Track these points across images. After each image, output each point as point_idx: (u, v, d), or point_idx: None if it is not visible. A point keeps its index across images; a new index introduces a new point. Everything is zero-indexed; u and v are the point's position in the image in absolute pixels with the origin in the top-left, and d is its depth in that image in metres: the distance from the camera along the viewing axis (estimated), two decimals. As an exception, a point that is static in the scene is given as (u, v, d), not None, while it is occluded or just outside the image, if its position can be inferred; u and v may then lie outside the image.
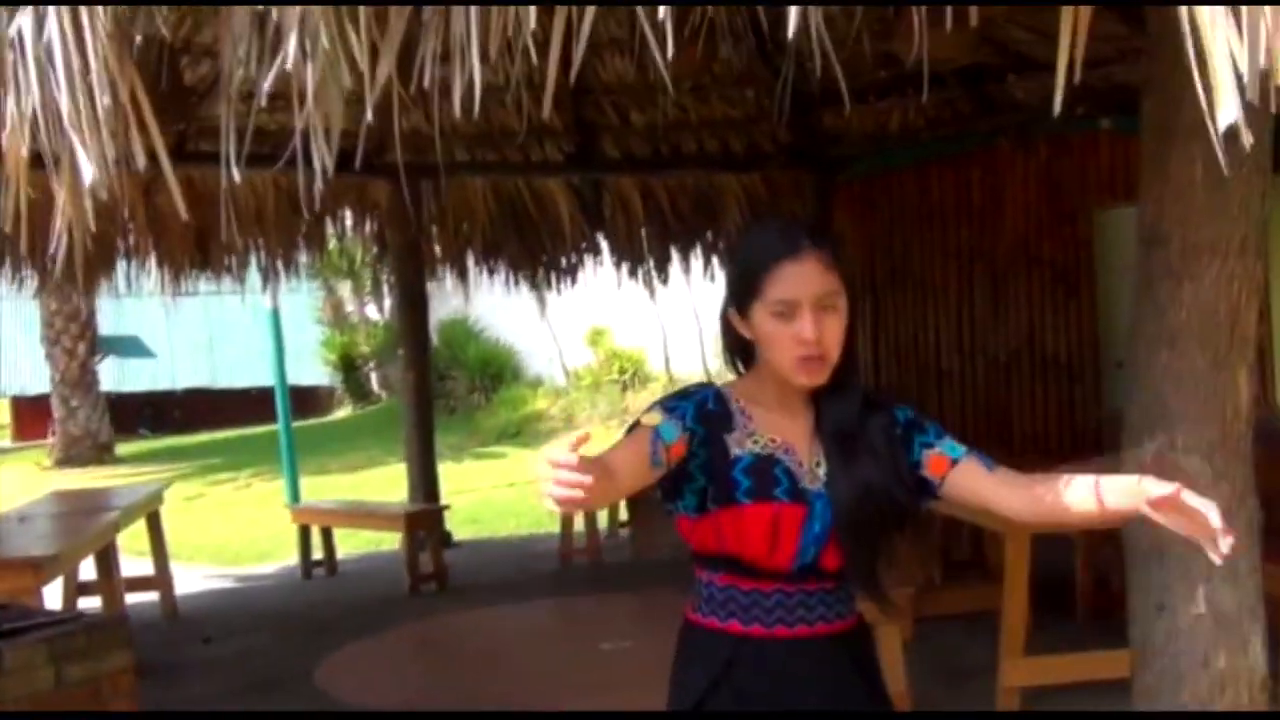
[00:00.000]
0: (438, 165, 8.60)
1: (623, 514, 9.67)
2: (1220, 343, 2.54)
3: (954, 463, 2.20)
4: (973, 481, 2.19)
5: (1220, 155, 1.80)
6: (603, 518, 9.59)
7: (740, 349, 2.26)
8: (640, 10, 2.09)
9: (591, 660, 6.33)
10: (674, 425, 2.11)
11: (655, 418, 2.12)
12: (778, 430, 2.19)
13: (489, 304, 17.26)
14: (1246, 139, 1.72)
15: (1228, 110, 1.71)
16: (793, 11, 1.88)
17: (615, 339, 18.06)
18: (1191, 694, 2.57)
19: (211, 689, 6.08)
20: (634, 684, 5.79)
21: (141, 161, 2.05)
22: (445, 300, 17.17)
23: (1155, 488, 1.91)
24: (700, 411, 2.15)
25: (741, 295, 2.17)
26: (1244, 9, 1.74)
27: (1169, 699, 2.62)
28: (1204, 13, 1.73)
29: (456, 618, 7.47)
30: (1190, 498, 1.90)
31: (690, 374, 17.16)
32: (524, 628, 7.20)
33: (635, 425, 2.14)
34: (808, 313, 2.10)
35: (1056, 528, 2.20)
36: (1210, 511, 1.87)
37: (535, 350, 19.16)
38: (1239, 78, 1.74)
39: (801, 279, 2.11)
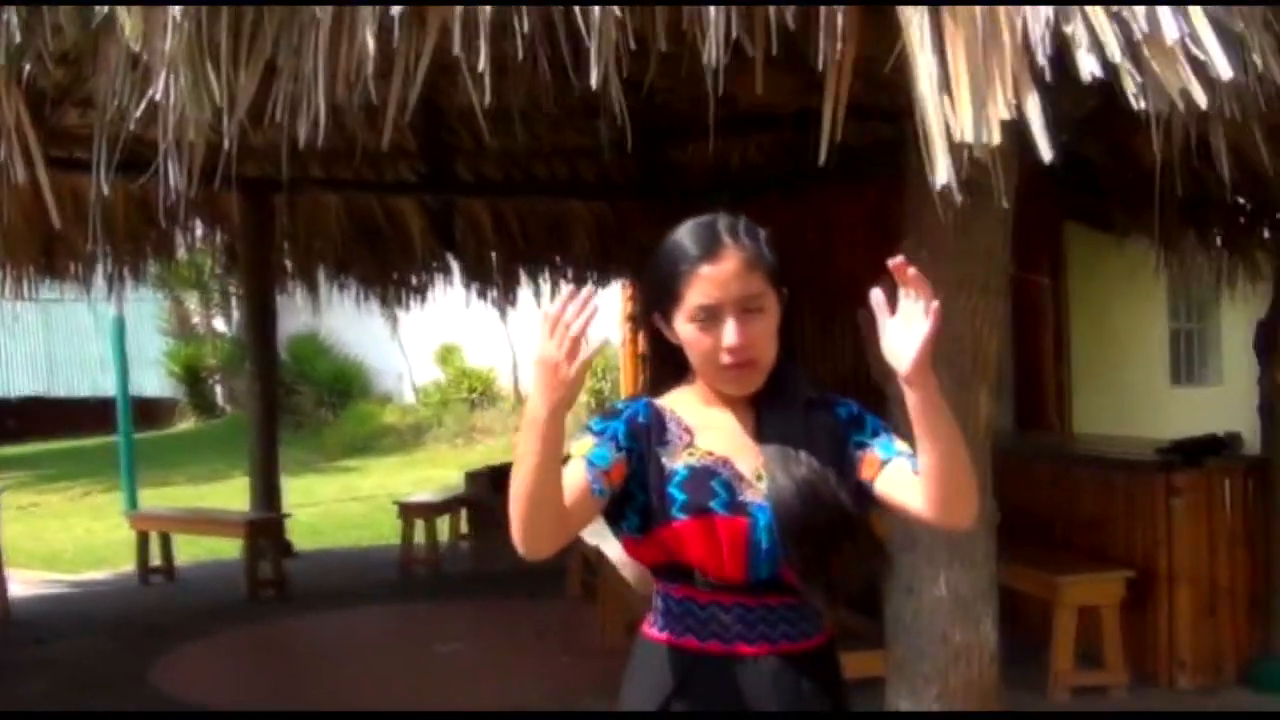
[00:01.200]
0: (289, 180, 8.79)
1: (463, 526, 9.90)
2: (965, 366, 2.94)
3: (884, 463, 2.04)
4: (897, 484, 2.01)
5: (944, 205, 2.19)
6: (443, 529, 9.82)
7: (671, 356, 2.10)
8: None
9: (424, 662, 6.58)
10: (606, 448, 2.01)
11: (585, 445, 2.02)
12: (715, 442, 2.06)
13: (339, 320, 17.28)
14: (956, 198, 2.12)
15: (940, 174, 2.12)
16: (594, 66, 2.22)
17: (465, 357, 18.24)
18: (932, 665, 2.97)
19: (42, 687, 6.15)
20: (464, 684, 6.14)
21: (22, 174, 2.27)
22: (294, 315, 17.16)
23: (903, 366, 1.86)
24: (631, 428, 2.04)
25: (661, 302, 2.06)
26: (963, 88, 2.14)
27: (913, 669, 3.02)
28: (923, 86, 2.13)
29: (293, 622, 7.64)
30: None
31: (538, 395, 17.49)
32: (360, 632, 7.40)
33: (566, 459, 1.99)
34: (730, 318, 1.99)
35: (951, 500, 1.84)
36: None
37: (385, 367, 19.22)
38: (956, 146, 2.15)
39: (721, 283, 1.98)
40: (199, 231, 10.47)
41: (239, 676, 6.54)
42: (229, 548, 9.36)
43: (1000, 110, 2.10)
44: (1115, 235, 7.90)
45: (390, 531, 9.83)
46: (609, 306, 12.79)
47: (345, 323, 17.73)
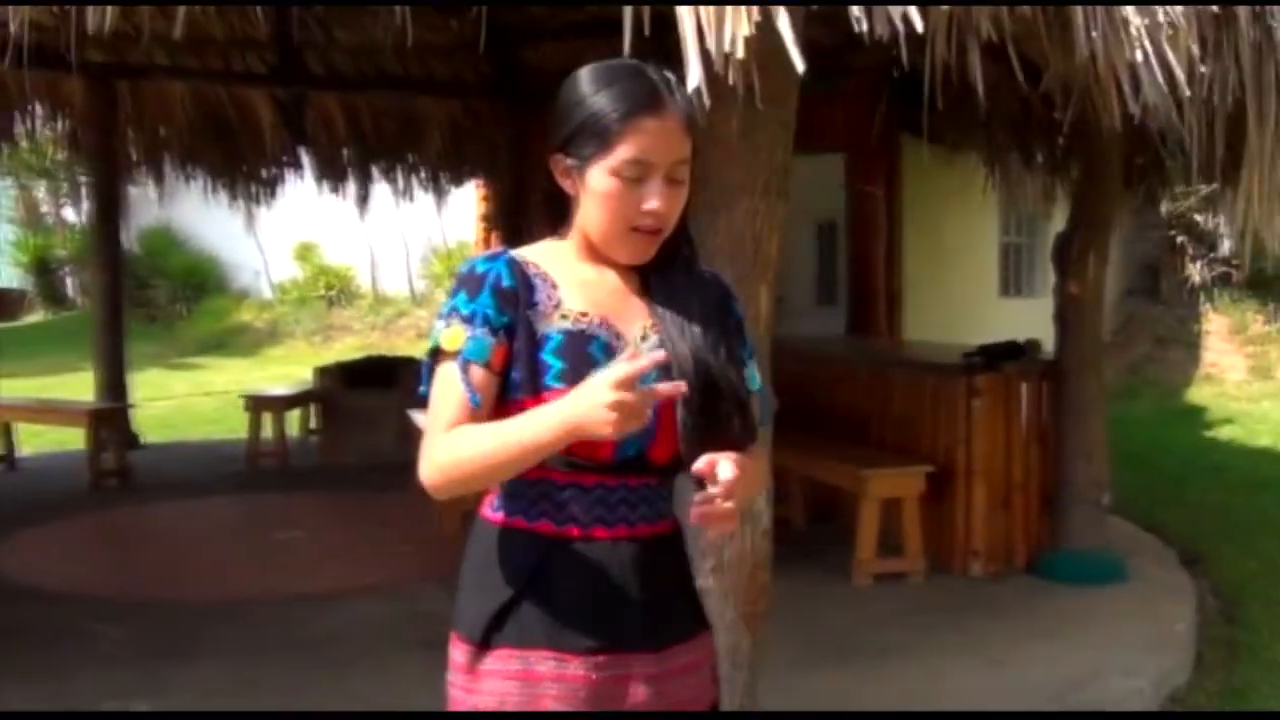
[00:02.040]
0: (134, 67, 8.63)
1: (313, 421, 10.00)
2: (745, 265, 3.16)
3: (747, 394, 1.94)
4: None
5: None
6: (293, 422, 9.90)
7: (552, 202, 1.93)
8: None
9: (263, 548, 6.74)
10: (481, 337, 1.83)
11: (456, 336, 1.84)
12: (591, 301, 1.89)
13: (193, 213, 16.99)
14: (706, 101, 2.34)
15: (691, 79, 2.33)
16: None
17: (324, 255, 18.12)
18: (706, 540, 3.22)
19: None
20: (301, 569, 6.30)
21: None
22: (148, 208, 16.82)
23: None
24: (499, 297, 1.85)
25: (581, 144, 1.84)
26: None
27: (691, 544, 3.28)
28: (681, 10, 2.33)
29: (135, 510, 7.71)
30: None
31: (396, 292, 17.49)
32: (202, 520, 7.49)
33: (437, 353, 1.86)
34: (659, 180, 1.83)
35: None
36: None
37: (241, 262, 18.98)
38: (705, 54, 2.36)
39: (663, 138, 1.81)
40: (40, 117, 10.23)
41: (77, 560, 6.60)
42: (74, 439, 9.30)
43: (744, 26, 2.31)
44: (946, 150, 8.24)
45: (241, 427, 9.87)
46: (464, 204, 12.85)
47: (199, 216, 17.44)
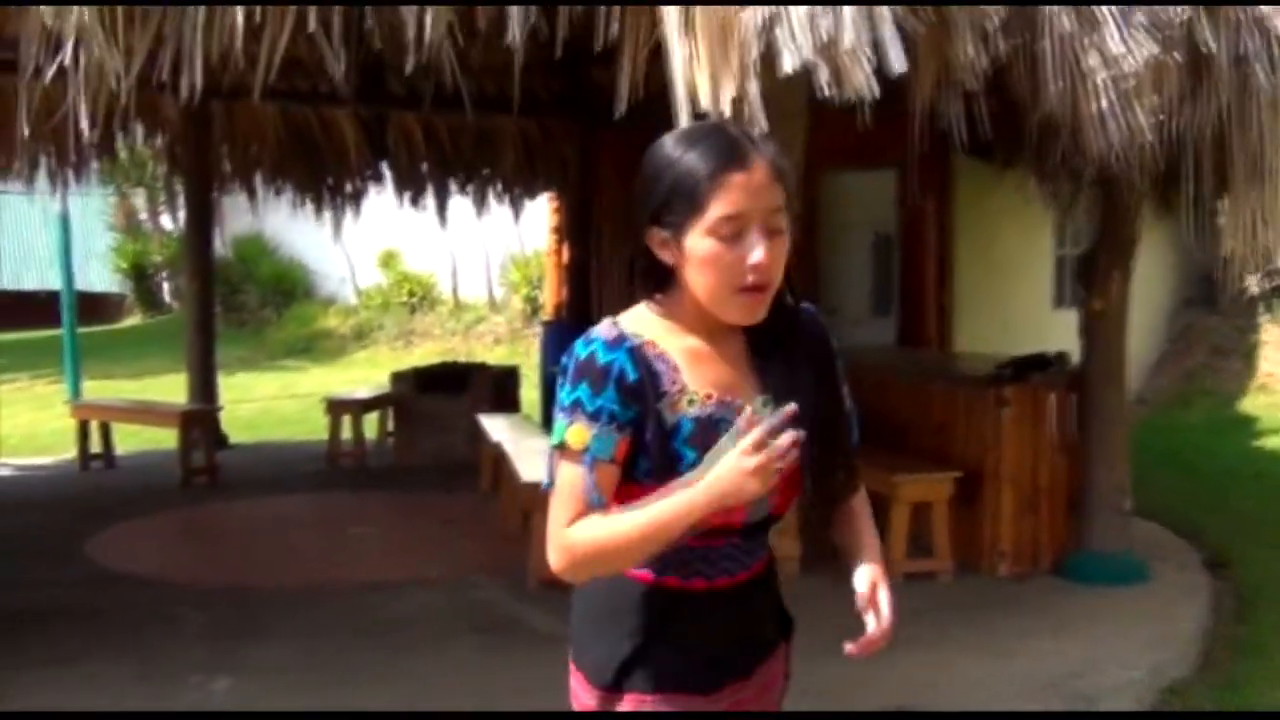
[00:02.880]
0: (228, 88, 9.16)
1: (390, 423, 10.50)
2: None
3: (842, 413, 2.03)
4: None
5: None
6: (371, 426, 10.42)
7: (653, 277, 1.92)
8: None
9: (337, 541, 7.24)
10: (607, 435, 1.84)
11: (581, 435, 1.85)
12: (713, 379, 1.90)
13: (284, 223, 17.66)
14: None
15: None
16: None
17: (407, 262, 18.71)
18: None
19: (-15, 556, 6.74)
20: (369, 561, 6.78)
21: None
22: (240, 216, 17.52)
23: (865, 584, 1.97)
24: (624, 393, 1.85)
25: (672, 211, 1.84)
26: (703, 72, 2.72)
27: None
28: (675, 68, 2.72)
29: (222, 505, 8.26)
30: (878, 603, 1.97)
31: (476, 299, 18.03)
32: (282, 515, 8.02)
33: (563, 448, 1.86)
34: (757, 232, 1.81)
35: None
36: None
37: (328, 270, 19.64)
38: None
39: (752, 192, 1.80)
40: (140, 134, 10.87)
41: (166, 550, 7.15)
42: (167, 439, 9.87)
43: (729, 90, 2.69)
44: (997, 166, 8.48)
45: (322, 428, 10.38)
46: (538, 217, 13.31)
47: (289, 225, 18.12)
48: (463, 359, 14.25)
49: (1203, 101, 3.85)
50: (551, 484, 1.90)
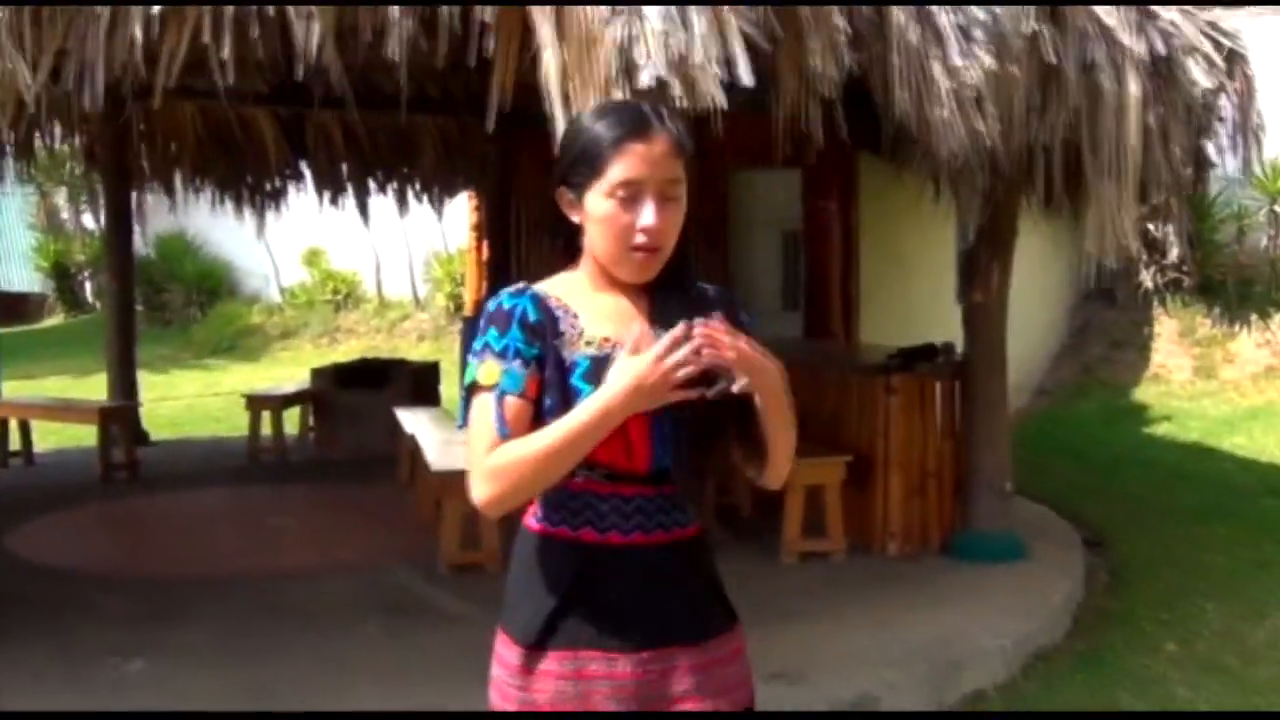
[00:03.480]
0: (144, 87, 9.25)
1: (311, 419, 10.65)
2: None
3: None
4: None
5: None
6: (293, 422, 10.55)
7: (564, 234, 2.10)
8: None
9: (256, 533, 7.40)
10: (515, 370, 1.99)
11: (491, 371, 2.00)
12: (608, 327, 2.03)
13: (207, 221, 17.66)
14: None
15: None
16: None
17: (331, 260, 18.78)
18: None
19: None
20: (288, 551, 6.96)
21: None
22: (164, 215, 17.50)
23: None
24: (526, 330, 2.01)
25: (579, 172, 2.01)
26: (576, 79, 2.97)
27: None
28: (547, 75, 2.97)
29: (141, 500, 8.38)
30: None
31: (400, 296, 18.15)
32: (202, 508, 8.17)
33: (474, 387, 2.01)
34: (651, 198, 1.97)
35: (768, 476, 2.08)
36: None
37: (252, 268, 19.64)
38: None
39: (650, 161, 1.96)
40: (58, 133, 10.91)
41: (85, 543, 7.28)
42: (88, 436, 9.95)
43: (594, 99, 2.95)
44: (896, 166, 8.83)
45: (246, 425, 10.51)
46: (461, 213, 13.49)
47: (213, 223, 18.11)
48: (386, 355, 14.40)
49: (1053, 108, 4.17)
50: (465, 424, 2.02)
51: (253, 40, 3.03)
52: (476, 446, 1.99)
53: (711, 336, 1.88)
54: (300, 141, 11.04)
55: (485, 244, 12.09)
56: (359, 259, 18.08)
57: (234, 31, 3.03)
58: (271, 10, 3.05)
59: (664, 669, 2.04)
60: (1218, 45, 5.05)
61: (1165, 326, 11.37)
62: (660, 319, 2.00)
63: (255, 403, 10.04)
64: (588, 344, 2.01)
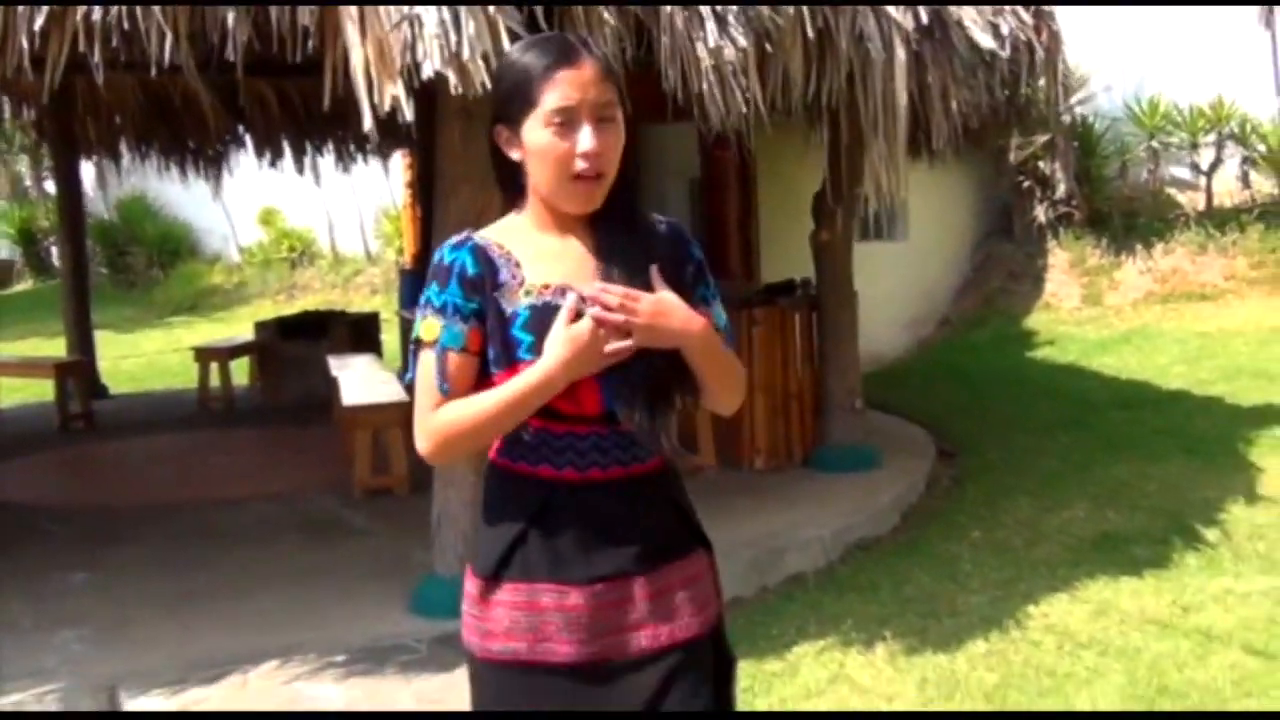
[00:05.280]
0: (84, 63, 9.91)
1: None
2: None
3: (715, 330, 2.11)
4: None
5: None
6: (242, 373, 11.27)
7: (507, 177, 2.10)
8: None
9: (199, 470, 8.17)
10: (455, 326, 2.03)
11: (432, 328, 2.04)
12: (551, 273, 2.05)
13: (166, 184, 18.24)
14: (373, 137, 3.69)
15: (365, 122, 3.70)
16: None
17: (286, 219, 19.42)
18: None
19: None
20: (223, 483, 7.71)
21: None
22: (124, 179, 18.07)
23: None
24: (465, 285, 2.03)
25: (512, 107, 2.02)
26: (374, 73, 3.69)
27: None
28: (355, 70, 3.69)
29: (95, 445, 9.15)
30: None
31: (353, 252, 18.83)
32: (150, 451, 8.92)
33: (418, 343, 2.06)
34: (587, 122, 1.98)
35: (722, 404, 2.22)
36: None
37: (211, 228, 20.26)
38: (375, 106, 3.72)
39: (581, 85, 1.97)
40: (7, 107, 11.54)
41: (41, 482, 8.03)
42: (49, 391, 10.68)
43: (390, 91, 3.67)
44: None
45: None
46: (393, 172, 14.16)
47: (172, 186, 18.70)
48: (341, 309, 15.09)
49: (830, 72, 4.90)
50: (413, 377, 2.10)
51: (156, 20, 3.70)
52: (421, 402, 2.07)
53: (600, 310, 1.96)
54: (236, 107, 11.69)
55: (417, 198, 12.77)
56: (312, 217, 18.73)
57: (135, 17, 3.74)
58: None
59: (618, 599, 2.07)
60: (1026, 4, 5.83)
61: (1058, 258, 12.15)
62: (605, 258, 2.04)
63: (204, 355, 10.78)
64: (527, 294, 2.03)
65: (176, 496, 7.32)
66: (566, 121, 1.98)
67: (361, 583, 5.42)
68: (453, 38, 3.57)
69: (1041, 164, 12.15)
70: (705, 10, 4.21)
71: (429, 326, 2.04)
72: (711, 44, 4.18)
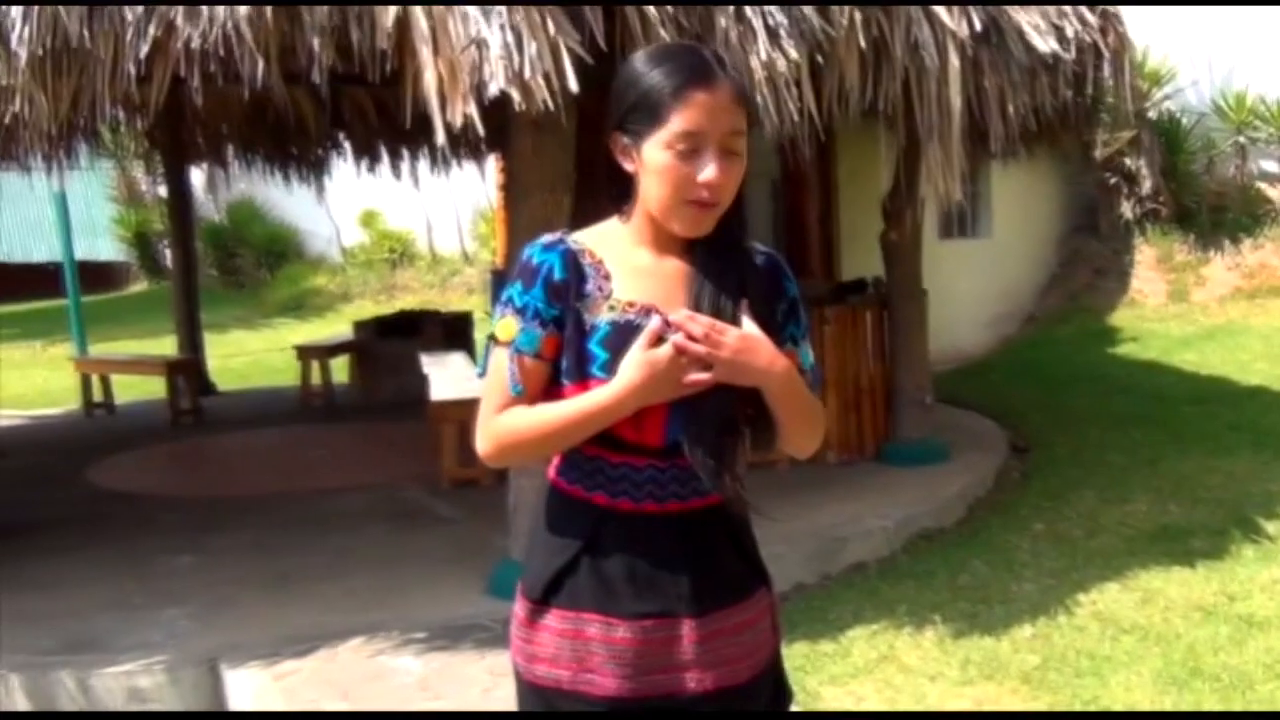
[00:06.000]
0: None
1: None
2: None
3: (800, 372, 2.03)
4: None
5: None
6: (342, 371, 11.75)
7: (617, 183, 2.02)
8: None
9: (298, 461, 8.61)
10: (532, 330, 1.97)
11: (509, 328, 1.98)
12: (640, 290, 1.97)
13: (273, 187, 18.89)
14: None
15: (439, 136, 4.00)
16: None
17: (386, 221, 20.01)
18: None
19: (3, 483, 8.13)
20: (319, 473, 8.12)
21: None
22: (234, 183, 18.78)
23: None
24: (550, 290, 1.96)
25: (636, 120, 1.93)
26: (448, 89, 4.00)
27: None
28: (427, 87, 4.00)
29: (203, 439, 9.66)
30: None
31: (451, 253, 19.33)
32: (253, 444, 9.40)
33: (494, 339, 2.01)
34: (714, 151, 1.89)
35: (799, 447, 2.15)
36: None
37: (316, 230, 20.93)
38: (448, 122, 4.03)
39: (712, 111, 1.88)
40: (122, 116, 12.13)
41: (152, 474, 8.52)
42: (163, 388, 11.25)
43: (460, 107, 3.97)
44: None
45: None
46: (488, 175, 14.55)
47: (278, 189, 19.36)
48: (436, 308, 15.56)
49: (885, 80, 5.11)
50: (484, 373, 2.05)
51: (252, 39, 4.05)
52: (487, 402, 2.03)
53: (684, 338, 1.89)
54: (336, 115, 12.17)
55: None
56: (412, 219, 19.28)
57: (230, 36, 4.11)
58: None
59: (665, 637, 2.01)
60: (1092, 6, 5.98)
61: (1145, 254, 12.14)
62: (697, 285, 1.97)
63: (305, 353, 11.26)
64: (610, 308, 1.96)
65: (276, 487, 7.73)
66: (692, 148, 1.90)
67: (443, 567, 5.75)
68: (516, 58, 3.86)
69: (1127, 160, 12.16)
70: (758, 23, 4.44)
71: (506, 326, 2.00)
72: (764, 56, 4.41)
